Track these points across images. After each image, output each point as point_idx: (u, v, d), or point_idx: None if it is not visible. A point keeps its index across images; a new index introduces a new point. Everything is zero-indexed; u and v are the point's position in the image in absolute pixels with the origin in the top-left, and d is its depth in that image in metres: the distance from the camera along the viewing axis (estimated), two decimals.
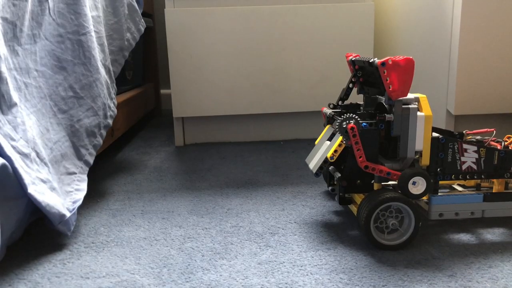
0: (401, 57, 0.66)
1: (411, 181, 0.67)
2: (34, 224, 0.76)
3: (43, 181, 0.67)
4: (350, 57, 0.79)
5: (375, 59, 0.70)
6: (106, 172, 1.10)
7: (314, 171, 0.74)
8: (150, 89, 1.78)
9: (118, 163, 1.18)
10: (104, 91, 0.89)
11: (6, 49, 0.66)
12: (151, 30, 1.83)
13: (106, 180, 1.03)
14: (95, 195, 0.94)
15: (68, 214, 0.69)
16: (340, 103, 0.83)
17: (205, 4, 1.28)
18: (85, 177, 0.80)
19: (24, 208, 0.64)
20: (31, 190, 0.63)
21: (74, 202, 0.73)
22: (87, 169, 0.82)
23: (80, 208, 0.86)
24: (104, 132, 0.88)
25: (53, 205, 0.66)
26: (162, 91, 1.99)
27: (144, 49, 1.79)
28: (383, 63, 0.66)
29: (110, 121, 0.91)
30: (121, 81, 1.41)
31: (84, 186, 0.78)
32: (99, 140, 0.86)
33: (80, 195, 0.75)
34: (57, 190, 0.69)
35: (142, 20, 1.13)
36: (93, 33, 0.86)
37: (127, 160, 1.20)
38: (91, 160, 0.84)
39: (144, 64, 1.79)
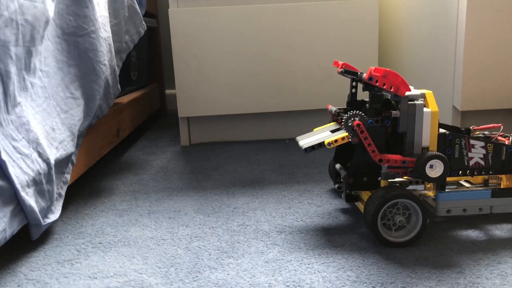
0: (374, 67, 0.68)
1: (428, 164, 0.66)
2: None
3: (36, 183, 0.67)
4: (340, 70, 0.79)
5: (362, 74, 0.72)
6: (112, 172, 1.10)
7: (305, 147, 0.72)
8: (155, 89, 1.78)
9: (124, 163, 1.18)
10: (101, 92, 0.88)
11: (23, 50, 0.66)
12: (156, 31, 1.83)
13: (112, 180, 1.04)
14: (101, 195, 0.94)
15: (42, 223, 0.69)
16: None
17: (209, 4, 1.28)
18: (63, 192, 0.79)
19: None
20: (23, 194, 0.63)
21: (48, 218, 0.72)
22: (71, 168, 0.82)
23: (87, 208, 0.87)
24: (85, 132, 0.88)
25: (36, 211, 0.67)
26: (167, 91, 1.99)
27: (149, 50, 1.79)
28: (370, 78, 0.68)
29: (94, 121, 0.90)
30: (126, 82, 1.41)
31: (59, 207, 0.77)
32: (81, 140, 0.87)
33: (53, 217, 0.74)
34: (45, 193, 0.70)
35: (143, 22, 1.13)
36: (94, 35, 0.85)
37: (133, 160, 1.21)
38: (75, 159, 0.84)
39: (149, 64, 1.79)
